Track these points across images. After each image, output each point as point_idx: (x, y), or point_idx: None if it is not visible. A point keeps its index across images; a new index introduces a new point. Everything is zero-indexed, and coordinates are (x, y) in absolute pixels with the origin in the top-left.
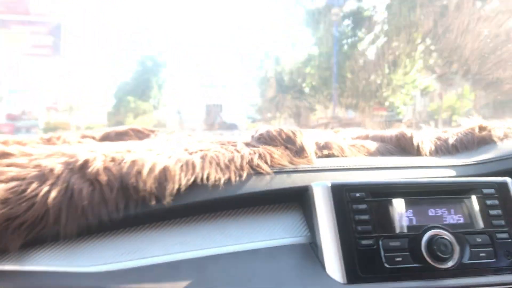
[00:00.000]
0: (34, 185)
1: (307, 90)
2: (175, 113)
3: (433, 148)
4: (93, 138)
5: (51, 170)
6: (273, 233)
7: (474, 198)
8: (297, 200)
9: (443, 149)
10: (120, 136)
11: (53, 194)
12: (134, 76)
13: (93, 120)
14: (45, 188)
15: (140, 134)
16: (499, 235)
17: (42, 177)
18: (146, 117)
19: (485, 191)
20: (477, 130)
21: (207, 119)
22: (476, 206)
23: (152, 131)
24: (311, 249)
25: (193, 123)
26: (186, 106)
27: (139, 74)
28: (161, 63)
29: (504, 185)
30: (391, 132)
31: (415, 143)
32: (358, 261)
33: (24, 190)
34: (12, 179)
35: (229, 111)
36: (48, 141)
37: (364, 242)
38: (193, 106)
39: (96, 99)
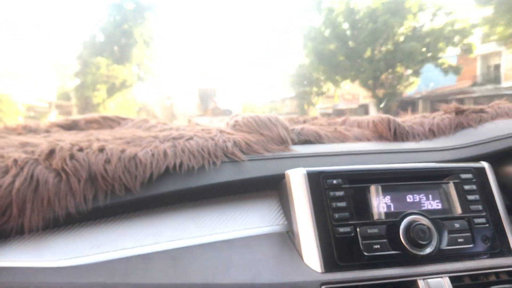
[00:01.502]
0: None
1: None
2: (163, 96)
3: (410, 133)
4: (61, 126)
5: (15, 161)
6: (249, 222)
7: (451, 183)
8: (273, 188)
9: (420, 134)
10: (89, 125)
11: (16, 185)
12: (107, 28)
13: (47, 94)
14: (8, 179)
15: (110, 122)
16: (477, 220)
17: (4, 168)
18: (126, 93)
19: (463, 176)
20: (454, 114)
21: (200, 105)
22: (454, 191)
23: (124, 119)
24: (288, 238)
25: (185, 108)
26: (177, 89)
27: (115, 25)
28: (147, 7)
29: (481, 170)
30: (368, 117)
31: (392, 128)
32: (335, 249)
33: None
34: None
35: (223, 96)
36: (14, 130)
37: (341, 229)
38: (185, 89)
39: (49, 63)
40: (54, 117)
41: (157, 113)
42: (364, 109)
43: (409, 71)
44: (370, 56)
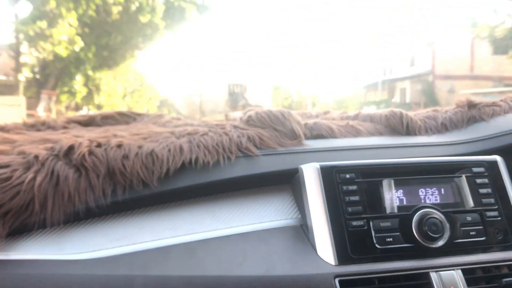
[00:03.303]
0: (18, 172)
1: None
2: (190, 91)
3: (422, 127)
4: (79, 122)
5: (36, 157)
6: (264, 215)
7: (464, 177)
8: (287, 182)
9: (432, 128)
10: (106, 120)
11: (38, 181)
12: None
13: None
14: (30, 175)
15: (126, 118)
16: (489, 213)
17: (26, 164)
18: (132, 80)
19: (475, 169)
20: (466, 108)
21: (229, 101)
22: (466, 185)
23: (139, 115)
24: (302, 231)
25: (214, 104)
26: (206, 85)
27: None
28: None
29: (494, 163)
30: (381, 112)
31: (404, 122)
32: (349, 242)
33: (9, 178)
34: None
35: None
36: (32, 126)
37: (354, 223)
38: (214, 85)
39: None
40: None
41: (180, 109)
42: None
43: None
44: None
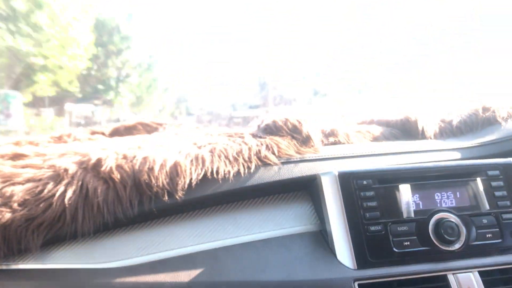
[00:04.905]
0: (50, 186)
1: None
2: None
3: (437, 131)
4: (103, 134)
5: (66, 170)
6: (284, 222)
7: (479, 180)
8: (306, 189)
9: (447, 131)
10: (129, 130)
11: (69, 193)
12: None
13: None
14: (61, 188)
15: (148, 128)
16: (505, 216)
17: (57, 178)
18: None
19: (490, 172)
20: (481, 111)
21: (260, 94)
22: (481, 188)
23: (160, 124)
24: (321, 237)
25: (245, 98)
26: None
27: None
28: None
29: (509, 166)
30: (396, 116)
31: (419, 126)
32: (367, 246)
33: (41, 191)
34: (28, 180)
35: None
36: (59, 139)
37: (372, 228)
38: (245, 78)
39: None
40: None
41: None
42: None
43: None
44: None
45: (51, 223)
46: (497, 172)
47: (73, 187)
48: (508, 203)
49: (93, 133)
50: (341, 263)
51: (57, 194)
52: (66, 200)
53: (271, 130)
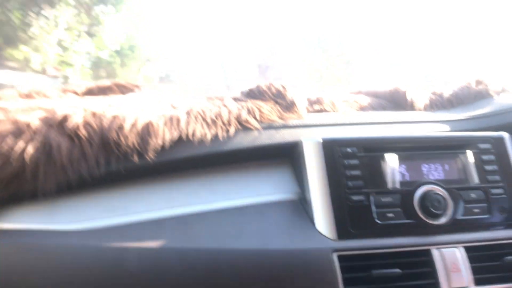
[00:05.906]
0: (9, 140)
1: None
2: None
3: (427, 102)
4: (75, 93)
5: (28, 125)
6: (262, 189)
7: (469, 153)
8: (287, 156)
9: (438, 104)
10: (103, 91)
11: (29, 149)
12: None
13: None
14: (21, 144)
15: (124, 89)
16: (494, 191)
17: (18, 132)
18: None
19: (481, 146)
20: (473, 84)
21: (259, 78)
22: (471, 161)
23: (137, 86)
24: (301, 205)
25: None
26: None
27: None
28: None
29: (501, 140)
30: (385, 87)
31: (409, 97)
32: (348, 216)
33: None
34: None
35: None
36: (27, 96)
37: (355, 197)
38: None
39: None
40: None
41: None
42: None
43: None
44: None
45: (9, 180)
46: (488, 146)
47: (35, 143)
48: (498, 177)
49: (65, 91)
50: (320, 233)
51: (17, 150)
52: (26, 156)
53: (254, 94)
